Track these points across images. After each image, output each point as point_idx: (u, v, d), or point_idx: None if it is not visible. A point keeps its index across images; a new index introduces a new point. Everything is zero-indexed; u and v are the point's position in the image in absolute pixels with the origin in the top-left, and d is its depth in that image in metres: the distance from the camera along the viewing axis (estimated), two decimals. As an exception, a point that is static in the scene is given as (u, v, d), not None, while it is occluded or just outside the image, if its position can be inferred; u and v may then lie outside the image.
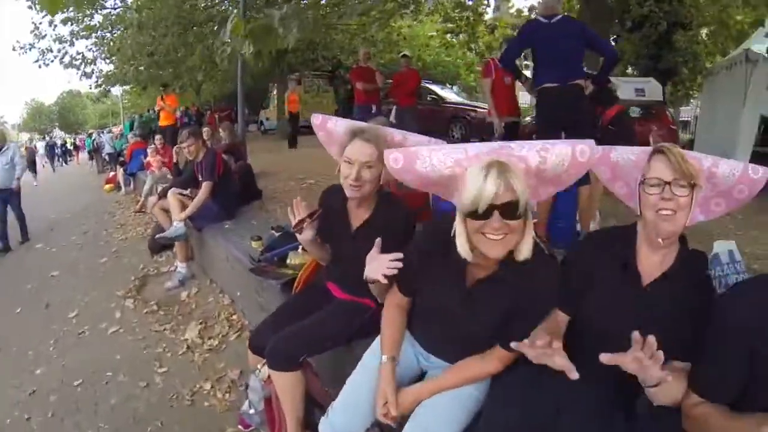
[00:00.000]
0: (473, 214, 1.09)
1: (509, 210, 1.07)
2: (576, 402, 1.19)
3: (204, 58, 7.17)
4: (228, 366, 2.67)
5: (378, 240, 1.41)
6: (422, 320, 1.47)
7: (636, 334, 0.97)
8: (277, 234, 3.03)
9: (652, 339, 0.96)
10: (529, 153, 1.14)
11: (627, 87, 4.97)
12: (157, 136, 7.67)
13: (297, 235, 1.72)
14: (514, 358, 1.26)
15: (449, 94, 11.67)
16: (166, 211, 3.79)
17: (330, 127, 1.74)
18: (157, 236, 3.69)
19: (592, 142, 1.18)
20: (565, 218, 2.99)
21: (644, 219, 1.20)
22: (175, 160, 5.72)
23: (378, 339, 1.48)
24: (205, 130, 5.90)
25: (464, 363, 1.35)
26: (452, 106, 10.56)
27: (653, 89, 5.05)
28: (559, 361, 1.04)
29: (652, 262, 1.22)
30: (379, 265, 1.34)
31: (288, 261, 2.59)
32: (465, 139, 9.75)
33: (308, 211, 1.69)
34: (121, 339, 3.11)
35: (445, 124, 10.01)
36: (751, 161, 1.25)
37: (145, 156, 7.42)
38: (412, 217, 1.72)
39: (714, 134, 6.37)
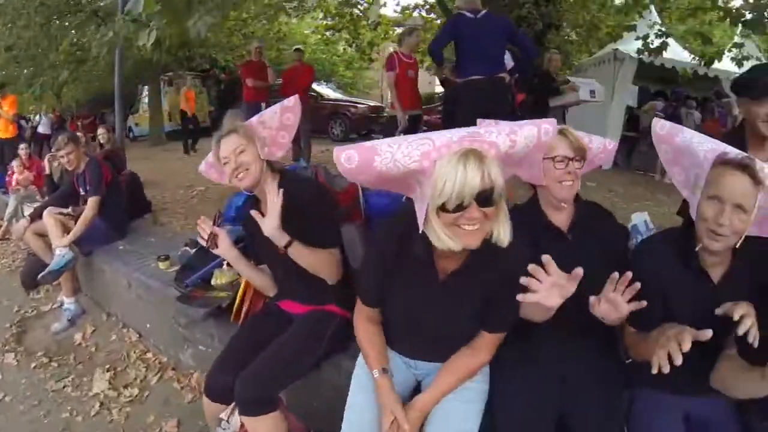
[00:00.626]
0: (452, 207, 1.03)
1: (486, 198, 1.03)
2: (577, 366, 1.36)
3: (70, 53, 6.17)
4: (159, 418, 2.22)
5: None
6: (399, 329, 1.39)
7: (615, 274, 1.13)
8: (192, 250, 2.65)
9: (615, 275, 1.13)
10: (498, 138, 1.08)
11: (584, 88, 5.55)
12: (22, 145, 6.35)
13: (214, 251, 1.61)
14: (503, 339, 1.31)
15: (328, 91, 11.78)
16: (42, 235, 3.16)
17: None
18: (41, 276, 2.96)
19: (554, 120, 1.19)
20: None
21: (548, 187, 1.41)
22: (47, 172, 4.79)
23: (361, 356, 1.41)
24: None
25: (456, 361, 1.32)
26: (331, 103, 10.62)
27: (600, 90, 5.73)
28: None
29: (559, 219, 1.45)
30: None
31: (213, 281, 2.27)
32: (345, 136, 9.91)
33: (209, 221, 1.61)
34: (10, 411, 2.36)
35: (325, 121, 10.02)
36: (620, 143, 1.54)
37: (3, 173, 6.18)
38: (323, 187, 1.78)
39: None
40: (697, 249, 1.25)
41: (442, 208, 1.04)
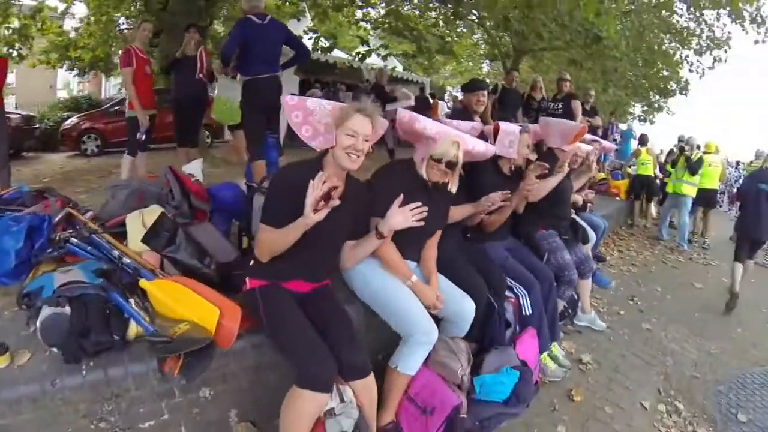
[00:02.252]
0: (437, 159, 2.07)
1: (452, 164, 2.10)
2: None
3: None
4: None
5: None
6: (408, 240, 2.10)
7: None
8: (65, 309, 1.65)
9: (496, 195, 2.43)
10: (472, 141, 2.39)
11: (413, 87, 6.73)
12: None
13: (309, 213, 1.56)
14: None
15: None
16: None
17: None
18: None
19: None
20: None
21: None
22: None
23: (377, 269, 2.06)
24: None
25: (430, 252, 2.28)
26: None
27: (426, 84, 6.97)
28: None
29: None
30: (404, 216, 1.82)
31: (153, 326, 1.63)
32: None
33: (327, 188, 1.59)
34: None
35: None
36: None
37: None
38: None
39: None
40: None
41: (432, 158, 2.08)
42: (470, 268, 2.44)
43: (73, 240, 1.95)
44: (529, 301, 2.59)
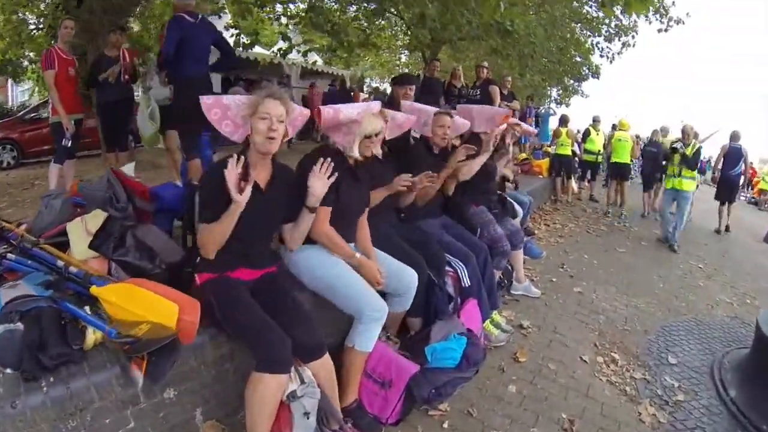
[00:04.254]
0: (369, 135, 2.21)
1: (380, 134, 2.26)
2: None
3: None
4: None
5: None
6: (346, 221, 2.28)
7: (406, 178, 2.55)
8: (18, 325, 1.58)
9: (407, 176, 2.54)
10: (390, 111, 2.57)
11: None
12: None
13: (236, 195, 1.70)
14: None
15: None
16: None
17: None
18: None
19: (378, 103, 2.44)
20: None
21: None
22: None
23: (318, 254, 2.17)
24: None
25: (364, 231, 2.39)
26: None
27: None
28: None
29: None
30: (321, 181, 1.97)
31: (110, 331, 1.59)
32: None
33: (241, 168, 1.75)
34: None
35: None
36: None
37: None
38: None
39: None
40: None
41: (366, 137, 2.20)
42: (406, 245, 2.61)
43: (10, 255, 1.88)
44: (467, 274, 2.80)
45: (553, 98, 17.36)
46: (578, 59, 12.36)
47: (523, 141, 11.09)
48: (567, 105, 17.88)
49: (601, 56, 12.07)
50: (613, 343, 3.32)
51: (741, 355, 3.31)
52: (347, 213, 2.25)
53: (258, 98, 1.86)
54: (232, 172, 1.69)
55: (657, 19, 10.27)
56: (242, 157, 1.75)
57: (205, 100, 1.96)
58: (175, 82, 3.63)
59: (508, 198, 4.10)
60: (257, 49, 9.20)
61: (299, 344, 1.75)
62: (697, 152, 6.42)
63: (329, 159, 1.97)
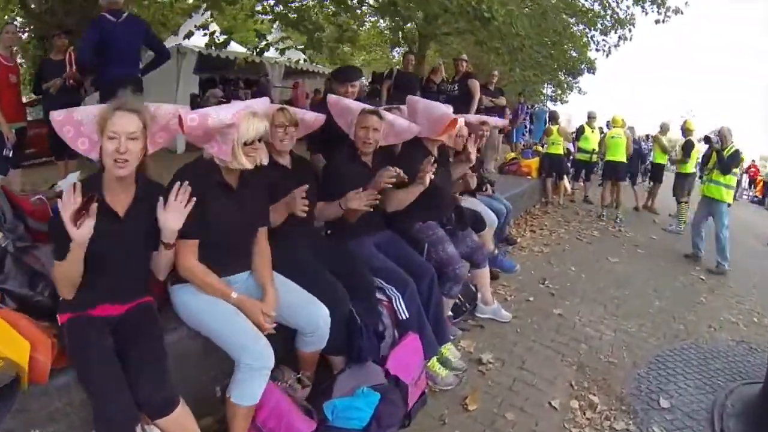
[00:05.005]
0: (250, 141, 1.79)
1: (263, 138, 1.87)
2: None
3: None
4: None
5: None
6: (222, 252, 1.87)
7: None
8: None
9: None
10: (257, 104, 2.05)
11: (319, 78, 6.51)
12: None
13: (73, 231, 1.42)
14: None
15: None
16: None
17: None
18: None
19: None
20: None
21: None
22: None
23: (196, 290, 1.79)
24: None
25: (263, 257, 1.98)
26: None
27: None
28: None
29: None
30: (177, 211, 1.63)
31: None
32: None
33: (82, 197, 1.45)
34: None
35: None
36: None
37: None
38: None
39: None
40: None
41: (246, 144, 1.78)
42: (324, 272, 2.11)
43: None
44: (403, 303, 2.28)
45: (548, 96, 16.82)
46: (574, 54, 11.82)
47: (515, 140, 10.58)
48: (563, 102, 17.37)
49: (597, 50, 11.57)
50: (593, 381, 2.75)
51: (749, 395, 2.73)
52: (225, 238, 1.87)
53: (106, 112, 1.58)
54: (68, 204, 1.41)
55: (654, 10, 9.75)
56: (79, 184, 1.47)
57: (56, 117, 1.65)
58: (99, 87, 3.43)
59: (475, 208, 3.54)
60: (235, 47, 8.79)
61: (144, 399, 1.50)
62: (735, 154, 5.27)
63: (186, 183, 1.64)
